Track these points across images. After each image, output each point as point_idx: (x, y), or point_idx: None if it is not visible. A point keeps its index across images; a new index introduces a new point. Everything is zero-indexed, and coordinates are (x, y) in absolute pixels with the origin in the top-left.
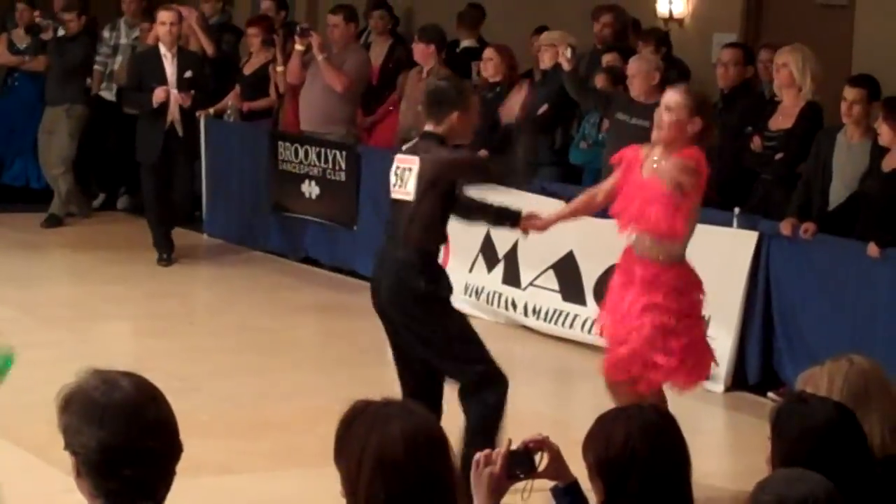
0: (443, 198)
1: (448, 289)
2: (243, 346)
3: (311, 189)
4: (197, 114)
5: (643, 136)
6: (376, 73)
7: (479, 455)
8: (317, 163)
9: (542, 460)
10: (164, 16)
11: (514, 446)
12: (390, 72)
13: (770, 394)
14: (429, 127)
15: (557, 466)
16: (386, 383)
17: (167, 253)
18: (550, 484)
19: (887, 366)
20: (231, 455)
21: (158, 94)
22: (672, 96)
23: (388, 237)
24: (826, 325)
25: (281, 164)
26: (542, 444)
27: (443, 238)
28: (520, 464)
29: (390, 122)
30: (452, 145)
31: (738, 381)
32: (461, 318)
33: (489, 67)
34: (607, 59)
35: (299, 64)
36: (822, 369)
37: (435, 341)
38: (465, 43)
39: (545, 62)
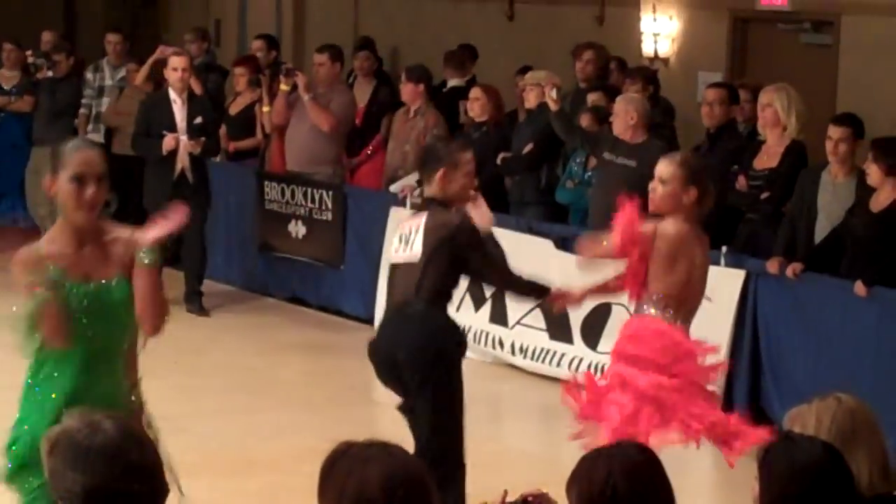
0: (452, 263)
1: (462, 355)
2: (230, 385)
3: (297, 229)
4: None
5: (629, 175)
6: (361, 114)
7: None
8: (303, 202)
9: None
10: (175, 61)
11: (510, 498)
12: (375, 113)
13: None
14: (427, 191)
15: None
16: (373, 422)
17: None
18: None
19: (874, 403)
20: (217, 495)
21: (168, 142)
22: (665, 168)
23: (392, 303)
24: (813, 364)
25: (267, 204)
26: (541, 498)
27: (450, 298)
28: None
29: (375, 163)
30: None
31: None
32: (458, 393)
33: (476, 107)
34: (592, 98)
35: (285, 104)
36: (810, 408)
37: (426, 407)
38: (453, 82)
39: (530, 101)
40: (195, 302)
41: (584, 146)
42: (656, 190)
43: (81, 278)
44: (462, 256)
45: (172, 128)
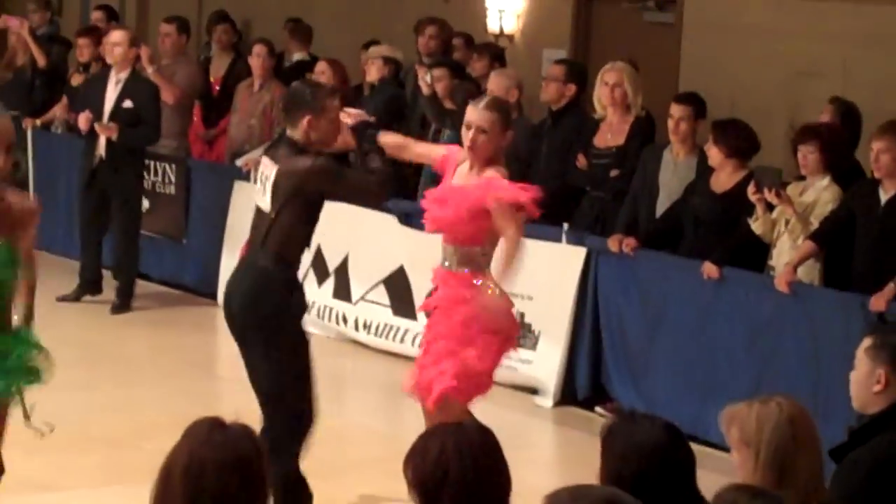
0: (306, 208)
1: (301, 307)
2: (70, 360)
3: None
4: (25, 125)
5: None
6: (218, 85)
7: None
8: (146, 176)
9: None
10: (112, 36)
11: None
12: (232, 85)
13: (598, 408)
14: (288, 131)
15: None
16: (215, 397)
17: (81, 290)
18: None
19: (709, 381)
20: (55, 471)
21: (80, 120)
22: (484, 115)
23: (250, 243)
24: (651, 342)
25: None
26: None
27: (303, 249)
28: None
29: None
30: (314, 152)
31: (568, 396)
32: (302, 350)
33: (322, 81)
34: (436, 73)
35: None
36: (750, 411)
37: (269, 364)
38: (297, 56)
39: (371, 75)
40: (123, 302)
41: (454, 126)
42: (476, 138)
43: None
44: (317, 200)
45: (99, 107)
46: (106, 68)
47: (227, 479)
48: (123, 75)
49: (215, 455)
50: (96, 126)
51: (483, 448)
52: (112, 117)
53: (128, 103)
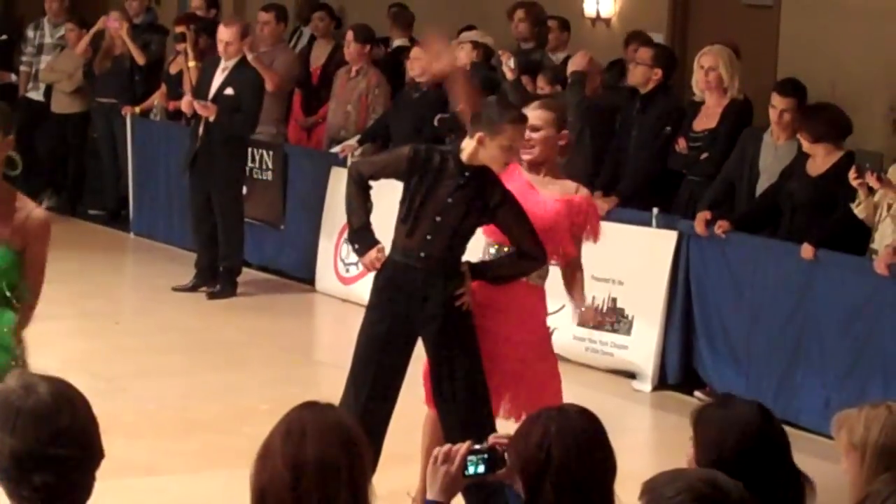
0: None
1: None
2: (169, 345)
3: None
4: (124, 112)
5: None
6: (317, 73)
7: (438, 450)
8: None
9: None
10: (221, 33)
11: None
12: (331, 72)
13: (697, 393)
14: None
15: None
16: (313, 383)
17: (197, 280)
18: None
19: (801, 363)
20: (156, 455)
21: (182, 104)
22: (540, 114)
23: None
24: (745, 325)
25: None
26: (508, 445)
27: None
28: (480, 462)
29: None
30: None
31: (665, 380)
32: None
33: (415, 67)
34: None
35: None
36: (860, 414)
37: None
38: (398, 42)
39: (461, 60)
40: (198, 278)
41: None
42: (530, 137)
43: None
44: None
45: (206, 90)
46: (217, 55)
47: (327, 441)
48: (231, 63)
49: (315, 418)
50: (195, 104)
51: (587, 432)
52: (212, 102)
53: (229, 90)
